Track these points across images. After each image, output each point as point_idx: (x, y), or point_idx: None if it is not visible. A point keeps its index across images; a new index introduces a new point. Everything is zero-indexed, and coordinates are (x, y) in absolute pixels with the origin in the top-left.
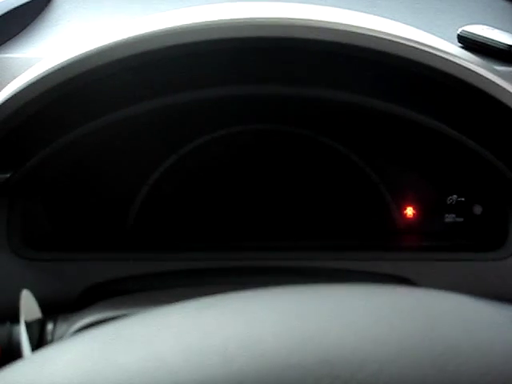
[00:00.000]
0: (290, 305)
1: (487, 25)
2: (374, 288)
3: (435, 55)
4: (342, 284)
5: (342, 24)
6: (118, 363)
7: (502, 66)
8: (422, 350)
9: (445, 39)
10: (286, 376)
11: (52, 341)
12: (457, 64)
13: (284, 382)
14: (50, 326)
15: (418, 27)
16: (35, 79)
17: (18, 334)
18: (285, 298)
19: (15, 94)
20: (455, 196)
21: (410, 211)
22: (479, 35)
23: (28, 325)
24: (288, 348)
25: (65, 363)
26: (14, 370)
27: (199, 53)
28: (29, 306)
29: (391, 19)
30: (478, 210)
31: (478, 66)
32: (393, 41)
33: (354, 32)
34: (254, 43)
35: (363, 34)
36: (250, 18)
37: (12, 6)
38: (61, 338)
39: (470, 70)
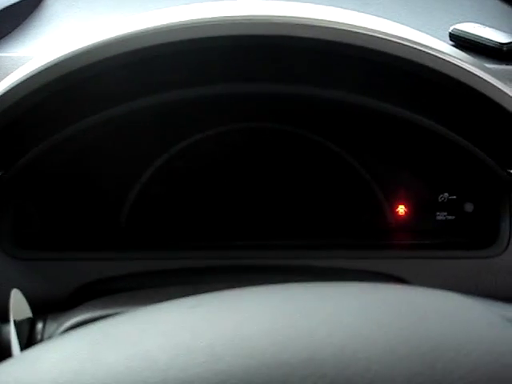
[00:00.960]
0: (277, 303)
1: (478, 23)
2: (363, 286)
3: (426, 53)
4: (331, 282)
5: (333, 22)
6: (106, 362)
7: (494, 63)
8: (411, 347)
9: (436, 37)
10: (272, 374)
11: (42, 340)
12: (448, 62)
13: (271, 380)
14: (39, 326)
15: (409, 25)
16: (27, 76)
17: (8, 334)
18: (272, 296)
19: (6, 92)
20: (447, 194)
21: (401, 209)
22: (471, 33)
23: (17, 324)
24: (275, 346)
25: (53, 362)
26: (2, 369)
27: (191, 51)
28: (19, 306)
29: (383, 17)
30: (469, 207)
31: (470, 64)
32: (384, 39)
33: (345, 30)
34: (245, 41)
35: (355, 32)
36: (243, 16)
37: (4, 5)
38: (50, 337)
39: (461, 67)
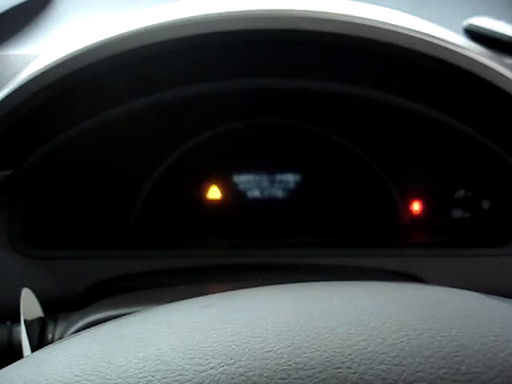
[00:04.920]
0: (294, 303)
1: (492, 17)
2: (382, 285)
3: (444, 47)
4: (348, 281)
5: (347, 15)
6: (119, 364)
7: (509, 58)
8: (434, 349)
9: (451, 31)
10: (291, 377)
11: (53, 340)
12: (466, 56)
13: (289, 383)
14: (50, 325)
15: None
16: (35, 75)
17: (19, 333)
18: (289, 295)
19: (15, 91)
20: (462, 191)
21: (416, 206)
22: (485, 28)
23: (28, 324)
24: (292, 347)
25: (64, 364)
26: (13, 369)
27: (201, 46)
28: (29, 305)
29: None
30: (485, 204)
31: (486, 58)
32: (400, 32)
33: (359, 24)
34: (256, 36)
35: (370, 26)
36: (254, 10)
37: (13, 4)
38: (61, 337)
39: (478, 62)
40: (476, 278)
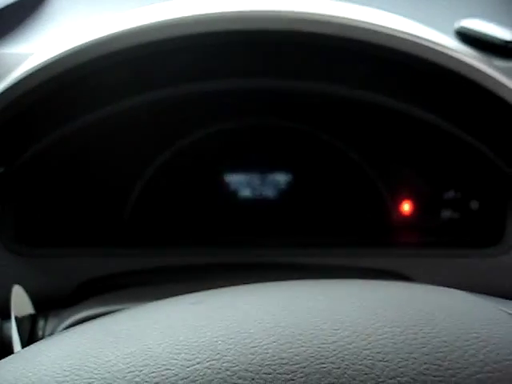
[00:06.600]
0: (280, 300)
1: (484, 19)
2: (367, 282)
3: (433, 49)
4: (335, 279)
5: (338, 17)
6: (106, 359)
7: (499, 60)
8: (416, 345)
9: (442, 34)
10: (275, 371)
11: (43, 336)
12: (455, 58)
13: (274, 378)
14: (41, 322)
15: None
16: (29, 73)
17: (9, 330)
18: (276, 292)
19: (8, 88)
20: (452, 192)
21: (406, 207)
22: (476, 30)
23: (19, 320)
24: (278, 343)
25: (53, 359)
26: (3, 364)
27: (195, 46)
28: (20, 302)
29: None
30: (475, 205)
31: (477, 60)
32: (390, 34)
33: (351, 25)
34: (252, 36)
35: (362, 28)
36: (249, 11)
37: (8, 2)
38: (52, 333)
39: (468, 64)
40: (465, 278)
